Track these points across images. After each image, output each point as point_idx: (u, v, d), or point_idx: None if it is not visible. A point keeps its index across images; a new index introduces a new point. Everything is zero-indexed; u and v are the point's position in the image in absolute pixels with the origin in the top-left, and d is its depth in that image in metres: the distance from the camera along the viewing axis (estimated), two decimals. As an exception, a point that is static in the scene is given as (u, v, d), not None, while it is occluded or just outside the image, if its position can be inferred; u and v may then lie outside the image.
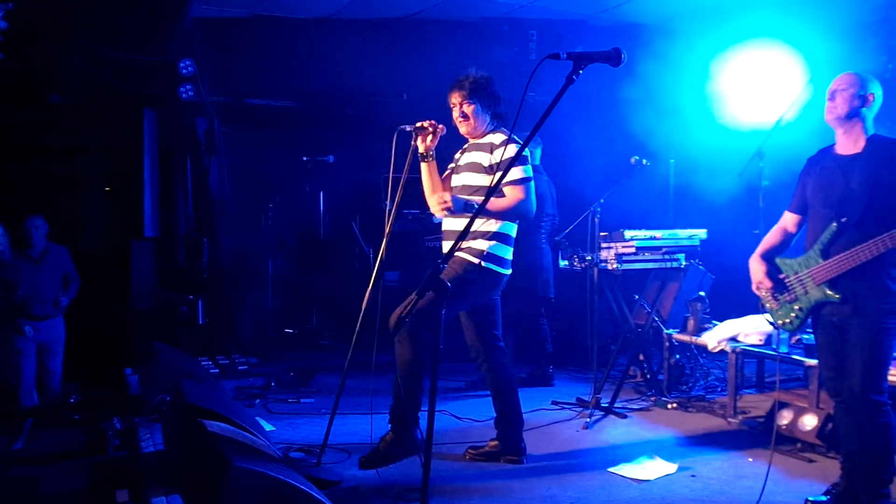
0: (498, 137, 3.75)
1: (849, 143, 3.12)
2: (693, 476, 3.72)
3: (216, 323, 6.56)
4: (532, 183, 3.73)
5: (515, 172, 3.67)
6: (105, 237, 7.30)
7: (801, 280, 3.17)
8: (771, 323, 3.33)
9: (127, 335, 6.41)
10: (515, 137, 3.71)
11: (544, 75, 2.45)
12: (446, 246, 3.81)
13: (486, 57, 6.77)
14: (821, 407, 4.08)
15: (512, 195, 3.69)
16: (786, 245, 3.39)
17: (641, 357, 5.41)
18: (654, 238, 5.15)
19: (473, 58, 6.50)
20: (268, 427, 4.43)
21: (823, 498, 3.29)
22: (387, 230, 3.82)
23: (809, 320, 3.23)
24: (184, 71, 6.43)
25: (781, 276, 3.26)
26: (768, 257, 3.33)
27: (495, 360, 3.92)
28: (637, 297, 5.61)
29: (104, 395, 5.24)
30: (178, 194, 6.80)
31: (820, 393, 4.07)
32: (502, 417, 3.97)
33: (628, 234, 5.14)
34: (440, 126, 3.74)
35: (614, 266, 5.11)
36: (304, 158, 6.05)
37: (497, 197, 3.69)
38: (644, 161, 5.09)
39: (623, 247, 5.14)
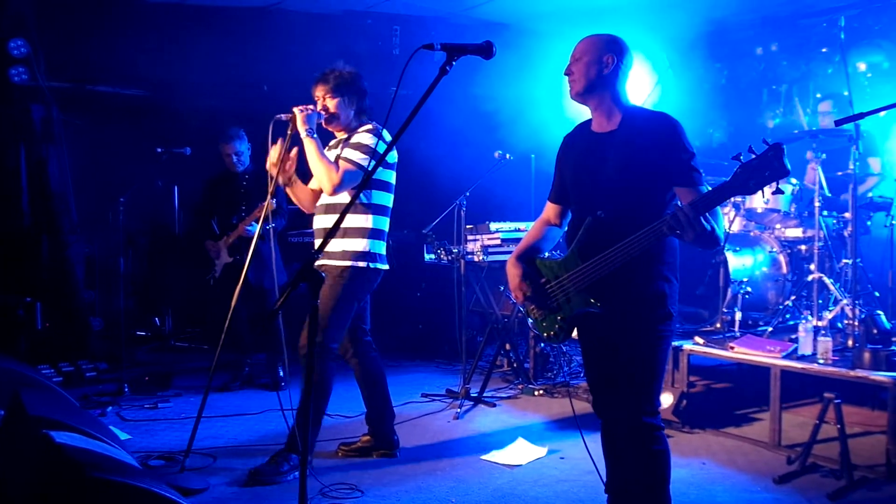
0: (365, 129, 3.68)
1: (603, 119, 2.62)
2: (562, 458, 3.85)
3: (59, 327, 6.03)
4: (357, 173, 3.53)
5: (354, 153, 3.57)
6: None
7: (562, 286, 2.55)
8: (536, 334, 2.94)
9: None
10: (386, 133, 3.64)
11: (410, 70, 2.43)
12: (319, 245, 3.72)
13: (349, 50, 6.66)
14: (675, 386, 4.36)
15: (332, 169, 3.54)
16: (551, 240, 2.83)
17: (508, 347, 5.55)
18: (519, 230, 5.32)
19: (336, 50, 6.45)
20: (123, 436, 4.12)
21: None
22: (257, 229, 3.72)
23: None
24: (15, 52, 5.83)
25: (542, 280, 2.63)
26: (528, 257, 2.71)
27: (363, 353, 3.88)
28: (502, 288, 5.75)
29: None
30: (10, 187, 6.16)
31: (675, 373, 4.35)
32: (373, 411, 3.93)
33: (494, 226, 5.27)
34: (309, 107, 3.60)
35: (481, 258, 5.22)
36: (159, 150, 5.74)
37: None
38: (508, 156, 5.22)
39: (489, 239, 5.27)
